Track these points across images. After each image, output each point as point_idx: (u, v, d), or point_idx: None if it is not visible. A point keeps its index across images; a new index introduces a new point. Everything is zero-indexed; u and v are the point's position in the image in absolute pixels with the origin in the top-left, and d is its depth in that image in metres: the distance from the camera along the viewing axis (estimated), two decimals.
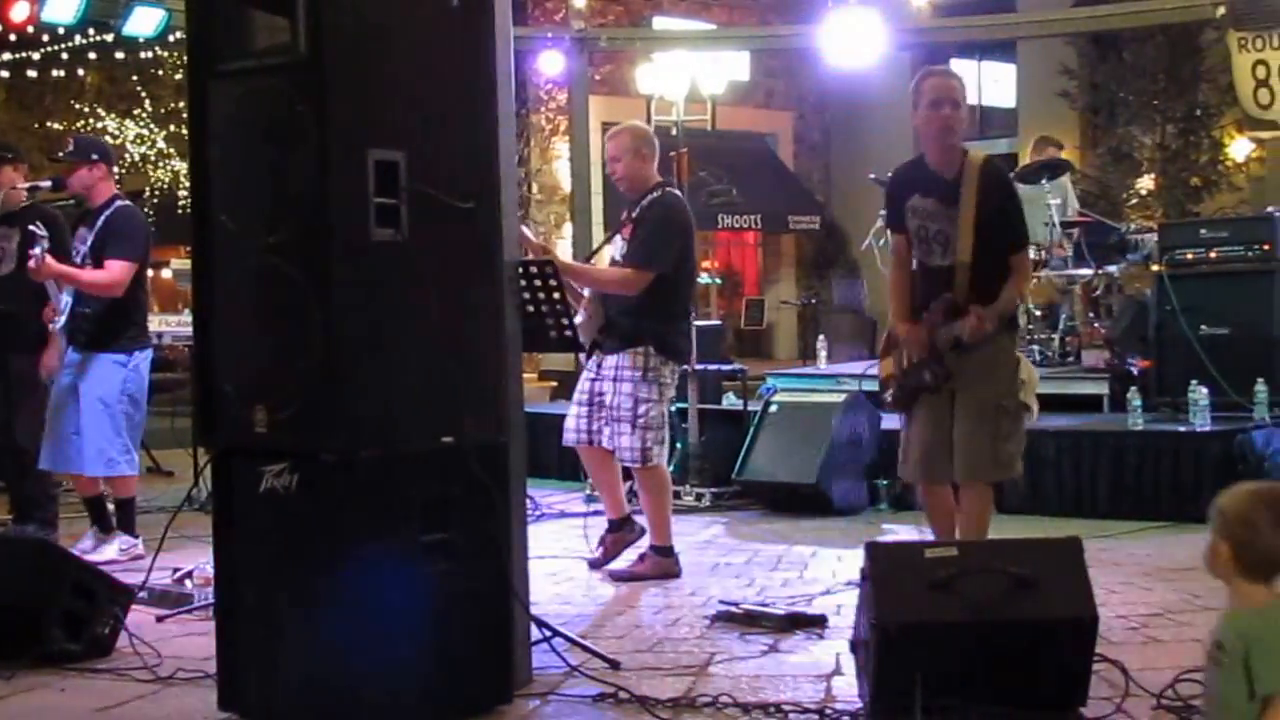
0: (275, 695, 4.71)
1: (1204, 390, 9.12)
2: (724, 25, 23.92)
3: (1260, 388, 9.20)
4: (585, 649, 5.58)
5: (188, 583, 6.71)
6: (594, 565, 7.63)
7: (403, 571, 4.62)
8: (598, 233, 18.85)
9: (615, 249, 7.46)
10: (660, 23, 23.45)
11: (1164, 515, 8.58)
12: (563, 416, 7.63)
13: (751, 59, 24.38)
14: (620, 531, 7.65)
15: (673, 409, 9.92)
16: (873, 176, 12.53)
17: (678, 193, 7.51)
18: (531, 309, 6.10)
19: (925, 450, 6.35)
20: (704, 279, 26.24)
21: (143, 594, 6.39)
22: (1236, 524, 3.58)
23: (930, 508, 6.56)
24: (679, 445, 9.99)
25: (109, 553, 7.83)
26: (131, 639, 5.76)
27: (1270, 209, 11.10)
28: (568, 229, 20.43)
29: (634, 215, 7.35)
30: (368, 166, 4.50)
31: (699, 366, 10.01)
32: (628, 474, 7.66)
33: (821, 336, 14.15)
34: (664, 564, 7.39)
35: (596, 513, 9.02)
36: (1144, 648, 5.70)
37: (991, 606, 4.74)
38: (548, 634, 5.49)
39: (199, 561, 6.62)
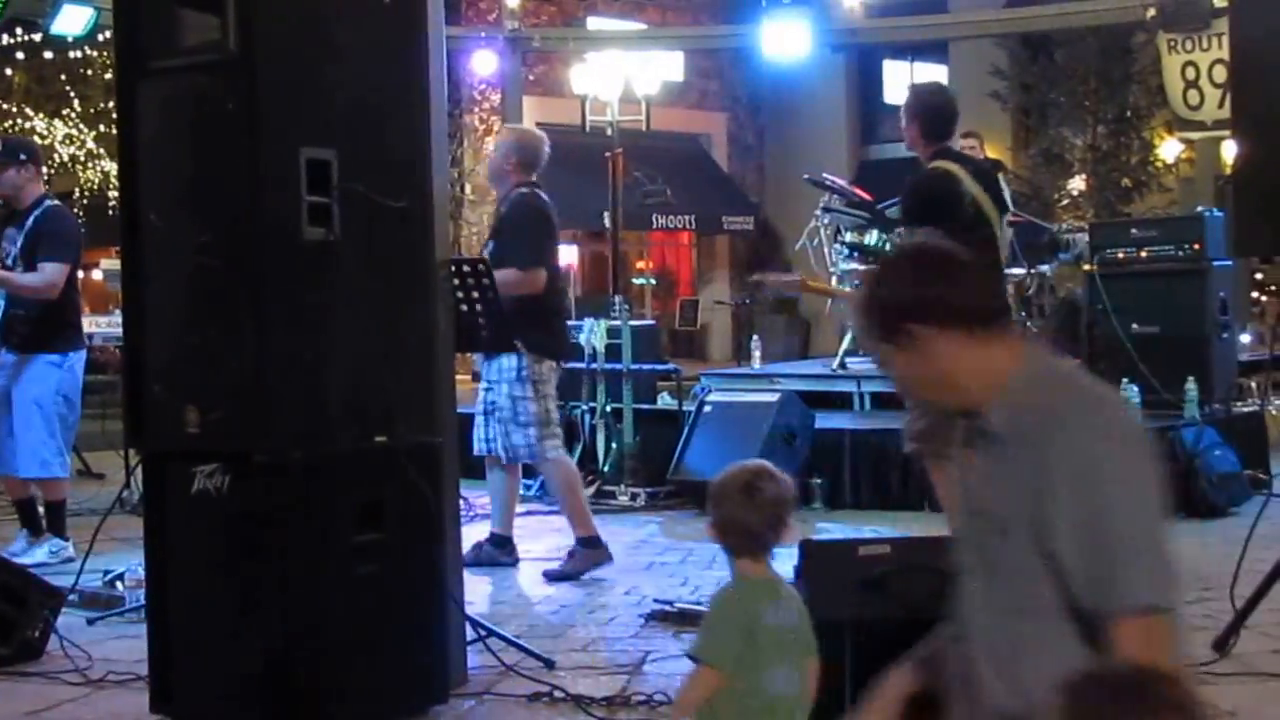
0: (207, 697, 4.68)
1: (1135, 388, 9.19)
2: (657, 25, 23.95)
3: (1190, 386, 9.29)
4: (520, 648, 5.57)
5: (119, 585, 6.66)
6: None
7: (336, 572, 4.60)
8: None
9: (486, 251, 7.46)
10: (594, 23, 23.47)
11: None
12: None
13: (685, 60, 24.45)
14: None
15: (607, 409, 9.98)
16: (807, 177, 12.60)
17: (539, 192, 7.39)
18: (465, 308, 6.09)
19: None
20: (638, 279, 26.40)
21: (73, 596, 6.32)
22: (711, 503, 3.69)
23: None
24: (614, 445, 9.99)
25: (39, 555, 7.74)
26: (62, 642, 5.70)
27: (1200, 209, 11.24)
28: None
29: (499, 214, 7.40)
30: (299, 165, 4.46)
31: (634, 367, 10.02)
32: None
33: (755, 336, 14.18)
34: (593, 555, 7.34)
35: (530, 513, 9.04)
36: None
37: (925, 603, 4.75)
38: (483, 634, 5.48)
39: (130, 564, 6.57)
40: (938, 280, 2.88)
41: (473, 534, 7.64)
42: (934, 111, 6.69)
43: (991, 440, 2.88)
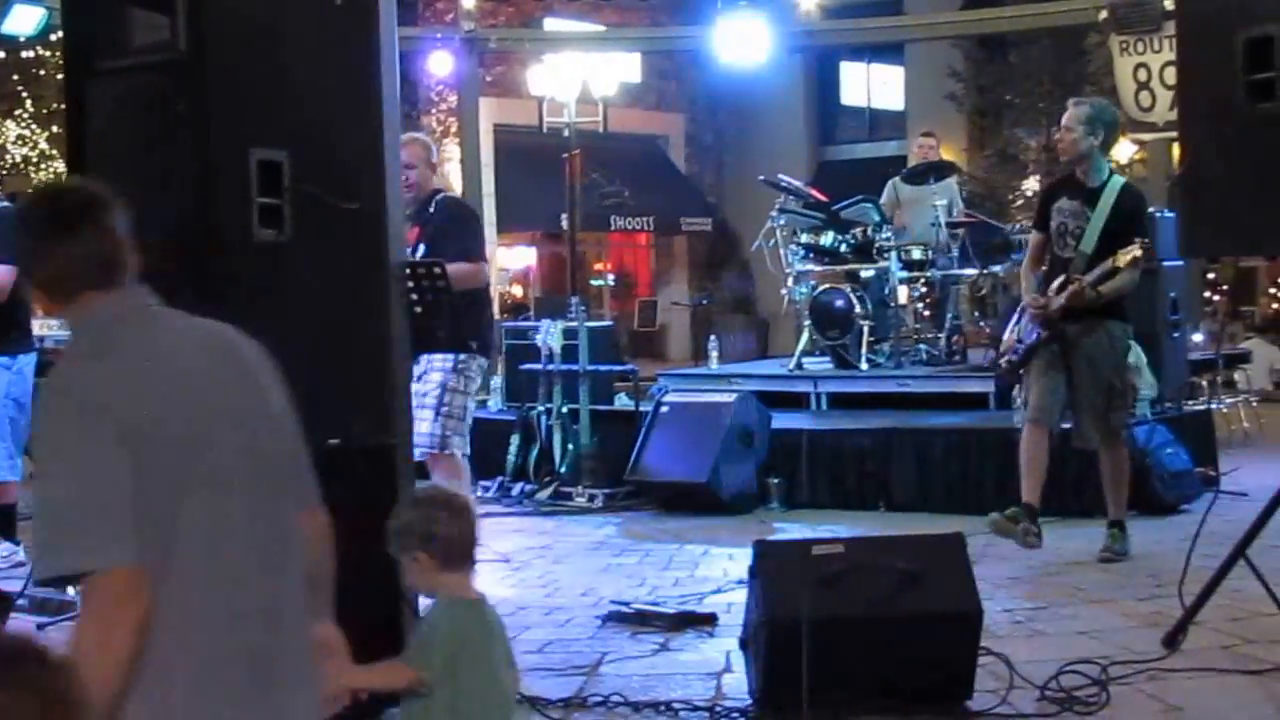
0: None
1: None
2: (615, 27, 23.94)
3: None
4: None
5: (70, 590, 6.61)
6: None
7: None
8: (490, 235, 18.80)
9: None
10: (551, 24, 23.43)
11: (1048, 511, 8.65)
12: None
13: (643, 61, 24.43)
14: None
15: (564, 409, 9.98)
16: (762, 178, 12.63)
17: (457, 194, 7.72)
18: (420, 309, 6.08)
19: (1040, 393, 7.58)
20: (597, 280, 26.37)
21: (23, 601, 6.29)
22: (411, 520, 3.73)
23: (1026, 445, 7.61)
24: (570, 446, 9.99)
25: None
26: None
27: (1151, 209, 11.29)
28: None
29: (425, 216, 7.25)
30: (250, 166, 4.45)
31: (590, 367, 10.03)
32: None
33: (713, 336, 14.19)
34: None
35: (489, 514, 9.03)
36: (1028, 640, 5.77)
37: (878, 602, 4.79)
38: None
39: None
40: (27, 239, 2.96)
41: None
42: (1115, 127, 7.74)
43: None
